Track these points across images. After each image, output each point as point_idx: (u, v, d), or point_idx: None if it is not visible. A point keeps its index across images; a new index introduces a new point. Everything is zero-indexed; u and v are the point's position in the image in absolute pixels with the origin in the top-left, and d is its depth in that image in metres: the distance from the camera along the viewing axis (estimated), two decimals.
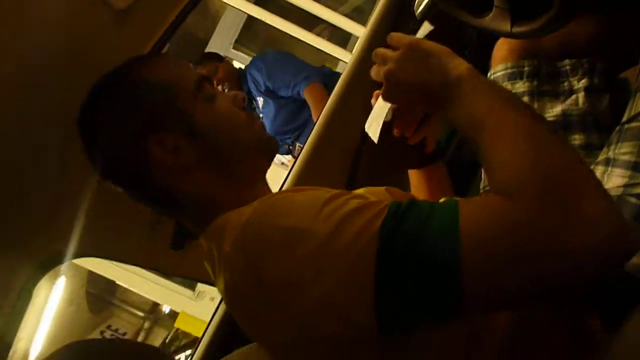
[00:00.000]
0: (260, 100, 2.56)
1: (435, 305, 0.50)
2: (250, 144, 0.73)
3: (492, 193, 0.51)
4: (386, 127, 0.84)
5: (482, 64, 1.07)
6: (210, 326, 1.19)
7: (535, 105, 0.92)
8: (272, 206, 0.60)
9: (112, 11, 0.83)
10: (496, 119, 0.55)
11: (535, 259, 0.45)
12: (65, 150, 0.86)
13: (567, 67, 0.93)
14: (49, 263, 0.92)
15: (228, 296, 0.65)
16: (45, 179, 0.87)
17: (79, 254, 0.98)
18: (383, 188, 0.89)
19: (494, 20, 0.88)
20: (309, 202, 0.57)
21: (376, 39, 1.32)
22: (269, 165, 0.77)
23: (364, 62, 1.30)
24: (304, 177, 1.23)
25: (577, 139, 0.90)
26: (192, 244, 1.06)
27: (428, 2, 1.36)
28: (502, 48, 0.99)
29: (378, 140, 0.85)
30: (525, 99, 0.93)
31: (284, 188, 1.25)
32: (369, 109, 0.97)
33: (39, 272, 0.93)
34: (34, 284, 0.93)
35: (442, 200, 0.62)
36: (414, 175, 0.98)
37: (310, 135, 1.28)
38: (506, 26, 0.87)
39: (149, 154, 0.68)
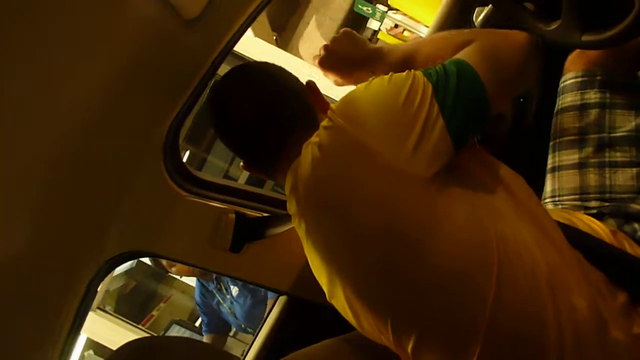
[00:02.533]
0: (234, 290, 2.59)
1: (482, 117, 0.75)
2: None
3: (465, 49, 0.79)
4: None
5: (550, 72, 1.04)
6: (262, 329, 1.21)
7: (607, 118, 0.88)
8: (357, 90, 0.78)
9: (182, 20, 0.86)
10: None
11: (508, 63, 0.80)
12: (140, 155, 0.90)
13: None
14: (116, 261, 0.96)
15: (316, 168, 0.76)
16: (118, 180, 0.91)
17: (143, 254, 1.02)
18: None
19: (562, 28, 0.85)
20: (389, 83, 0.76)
21: None
22: None
23: None
24: None
25: None
26: (251, 248, 1.09)
27: (488, 11, 1.34)
28: (575, 56, 0.96)
29: None
30: (596, 110, 0.90)
31: None
32: None
33: (104, 269, 0.97)
34: (100, 280, 0.98)
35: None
36: None
37: None
38: (576, 35, 0.83)
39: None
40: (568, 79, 0.94)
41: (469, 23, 1.35)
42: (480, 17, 1.33)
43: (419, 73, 0.74)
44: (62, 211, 0.81)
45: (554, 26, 0.85)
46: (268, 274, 1.13)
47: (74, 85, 0.70)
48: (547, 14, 0.88)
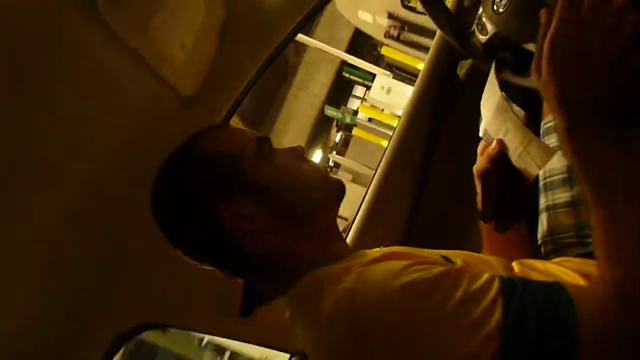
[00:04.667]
0: None
1: None
2: (319, 192, 0.74)
3: (607, 288, 0.54)
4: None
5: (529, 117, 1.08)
6: None
7: None
8: (379, 278, 0.59)
9: (179, 97, 0.91)
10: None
11: None
12: (142, 226, 0.93)
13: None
14: (128, 335, 0.97)
15: (322, 355, 0.64)
16: (128, 251, 0.93)
17: (153, 325, 1.03)
18: (462, 253, 0.82)
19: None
20: (420, 278, 0.57)
21: (423, 99, 1.37)
22: (338, 210, 0.77)
23: (414, 116, 1.35)
24: (366, 228, 1.26)
25: None
26: (260, 310, 1.09)
27: (470, 65, 1.41)
28: None
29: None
30: None
31: (349, 240, 1.28)
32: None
33: (116, 344, 0.98)
34: (112, 356, 0.98)
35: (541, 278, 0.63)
36: (496, 235, 0.91)
37: (369, 189, 1.32)
38: None
39: (223, 224, 0.69)
40: (549, 120, 0.98)
41: (454, 76, 1.42)
42: (464, 70, 1.40)
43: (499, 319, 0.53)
44: (69, 284, 0.83)
45: (531, 77, 0.90)
46: (279, 336, 1.13)
47: (76, 163, 0.74)
48: (523, 66, 0.93)
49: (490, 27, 0.89)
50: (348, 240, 1.30)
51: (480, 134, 0.92)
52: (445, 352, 0.54)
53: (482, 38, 0.92)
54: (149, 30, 0.71)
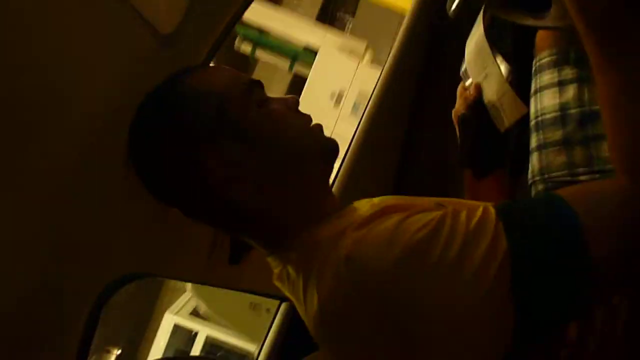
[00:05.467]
0: None
1: (572, 297, 0.52)
2: (310, 145, 0.70)
3: (618, 165, 0.54)
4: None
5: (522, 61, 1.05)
6: (267, 339, 1.21)
7: (586, 93, 0.90)
8: (375, 244, 0.57)
9: (158, 35, 0.86)
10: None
11: None
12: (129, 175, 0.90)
13: None
14: (116, 285, 0.95)
15: (323, 324, 0.61)
16: (111, 202, 0.90)
17: (142, 275, 1.01)
18: (455, 201, 0.79)
19: (553, 17, 0.85)
20: (417, 236, 0.55)
21: (411, 41, 1.33)
22: (331, 169, 0.73)
23: (402, 60, 1.31)
24: (352, 178, 1.25)
25: None
26: (248, 257, 1.08)
27: (459, 1, 1.36)
28: (546, 35, 0.97)
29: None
30: (574, 85, 0.91)
31: (335, 189, 1.27)
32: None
33: (106, 293, 0.96)
34: (105, 301, 0.96)
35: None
36: (476, 182, 0.91)
37: (354, 139, 1.29)
38: (567, 20, 0.84)
39: (206, 167, 0.65)
40: (543, 57, 0.96)
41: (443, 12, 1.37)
42: (454, 6, 1.35)
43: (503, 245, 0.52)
44: (57, 230, 0.80)
45: (547, 17, 0.85)
46: (269, 281, 1.13)
47: (57, 112, 0.70)
48: (535, 7, 0.88)
49: None
50: (334, 189, 1.28)
51: (461, 74, 0.89)
52: (455, 301, 0.53)
53: None
54: None
